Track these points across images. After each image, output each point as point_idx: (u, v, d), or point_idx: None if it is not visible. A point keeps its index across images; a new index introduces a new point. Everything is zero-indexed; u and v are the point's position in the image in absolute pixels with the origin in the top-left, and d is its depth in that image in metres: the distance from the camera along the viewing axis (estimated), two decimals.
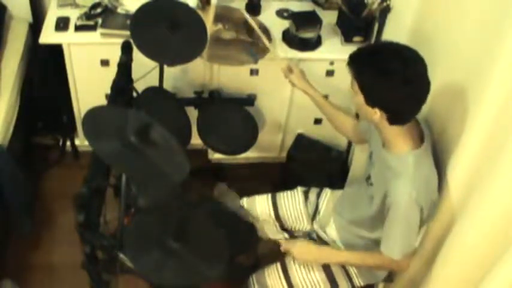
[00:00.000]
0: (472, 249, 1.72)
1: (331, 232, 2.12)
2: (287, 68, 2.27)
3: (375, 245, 1.92)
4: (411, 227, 1.78)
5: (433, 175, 1.80)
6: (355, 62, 1.74)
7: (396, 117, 1.72)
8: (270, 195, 2.26)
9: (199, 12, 2.46)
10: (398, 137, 1.76)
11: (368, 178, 1.93)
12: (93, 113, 1.71)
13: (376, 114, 1.71)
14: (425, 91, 1.68)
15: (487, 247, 1.67)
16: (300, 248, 1.96)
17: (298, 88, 2.25)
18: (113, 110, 1.98)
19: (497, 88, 1.58)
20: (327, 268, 2.04)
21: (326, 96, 2.71)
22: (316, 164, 2.87)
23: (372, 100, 1.70)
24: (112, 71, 2.29)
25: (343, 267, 2.04)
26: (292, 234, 2.25)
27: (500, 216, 1.59)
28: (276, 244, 2.04)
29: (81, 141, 2.95)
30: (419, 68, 1.67)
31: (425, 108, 1.73)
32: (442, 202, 1.85)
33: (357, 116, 2.21)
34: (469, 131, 1.73)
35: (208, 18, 2.53)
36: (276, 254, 2.12)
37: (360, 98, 1.73)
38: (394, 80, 1.64)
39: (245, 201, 2.29)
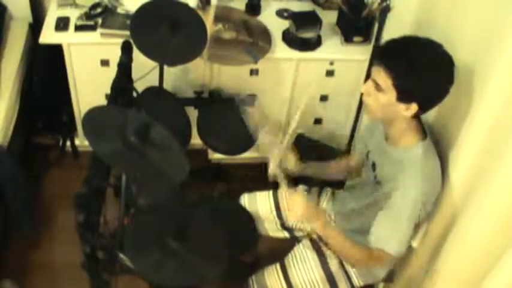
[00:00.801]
0: (473, 247, 1.72)
1: None
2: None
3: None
4: (410, 221, 1.76)
5: (438, 167, 1.81)
6: (391, 61, 1.68)
7: (426, 108, 1.73)
8: (271, 192, 2.26)
9: (199, 12, 2.46)
10: (407, 130, 1.77)
11: (375, 180, 1.91)
12: (93, 113, 1.71)
13: (409, 109, 1.70)
14: (453, 71, 1.68)
15: (488, 246, 1.67)
16: (301, 205, 1.83)
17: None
18: (113, 110, 1.98)
19: (498, 85, 1.59)
20: (326, 268, 2.03)
21: (326, 97, 2.72)
22: None
23: (409, 96, 1.68)
24: (112, 71, 2.29)
25: (343, 268, 2.04)
26: (292, 233, 2.25)
27: (502, 215, 1.59)
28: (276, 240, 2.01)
29: (81, 141, 2.95)
30: (447, 56, 1.68)
31: None
32: (444, 200, 1.85)
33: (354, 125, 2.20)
34: (470, 128, 1.73)
35: (208, 18, 2.53)
36: (275, 254, 2.12)
37: (391, 96, 1.69)
38: (433, 72, 1.65)
39: (246, 198, 2.28)
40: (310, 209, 1.86)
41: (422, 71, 1.65)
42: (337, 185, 2.33)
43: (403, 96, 1.68)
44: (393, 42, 1.74)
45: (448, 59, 1.68)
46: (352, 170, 2.22)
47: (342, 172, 2.27)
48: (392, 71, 1.67)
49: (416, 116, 1.76)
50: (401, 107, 1.70)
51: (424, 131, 1.81)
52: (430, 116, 1.95)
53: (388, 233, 1.79)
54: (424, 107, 1.72)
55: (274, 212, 2.23)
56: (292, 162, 2.17)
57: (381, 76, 1.69)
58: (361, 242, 1.93)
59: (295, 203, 1.84)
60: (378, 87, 1.71)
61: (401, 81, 1.67)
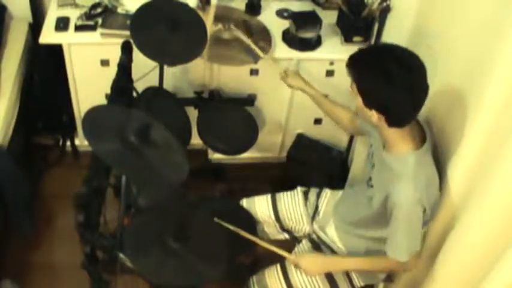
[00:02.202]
0: (473, 248, 1.72)
1: (331, 233, 2.12)
2: (283, 72, 2.30)
3: (374, 243, 1.93)
4: (415, 227, 1.77)
5: (434, 175, 1.80)
6: (354, 63, 1.73)
7: (393, 119, 1.72)
8: (269, 196, 2.26)
9: (199, 12, 2.46)
10: (398, 138, 1.76)
11: (369, 180, 1.93)
12: (93, 113, 1.71)
13: (374, 116, 1.71)
14: (422, 97, 1.68)
15: (487, 247, 1.67)
16: (307, 261, 1.93)
17: (296, 88, 2.28)
18: (113, 110, 1.98)
19: (497, 88, 1.58)
20: None
21: (326, 97, 2.72)
22: (316, 164, 2.87)
23: (369, 102, 1.70)
24: (112, 71, 2.29)
25: None
26: (292, 235, 2.25)
27: (501, 216, 1.59)
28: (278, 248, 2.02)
29: (81, 141, 2.95)
30: (419, 74, 1.67)
31: (425, 108, 1.73)
32: (443, 202, 1.85)
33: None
34: (469, 131, 1.73)
35: (208, 18, 2.53)
36: (276, 255, 2.12)
37: (359, 100, 1.73)
38: (392, 84, 1.64)
39: (245, 202, 2.29)
40: (321, 266, 1.95)
41: (382, 80, 1.65)
42: (337, 185, 2.33)
43: (365, 101, 1.71)
44: (361, 50, 1.77)
45: (418, 74, 1.66)
46: (346, 124, 2.18)
47: (337, 116, 2.20)
48: (356, 76, 1.71)
49: (400, 126, 1.73)
50: (368, 112, 1.72)
51: (424, 138, 1.80)
52: (428, 117, 1.95)
53: (396, 243, 1.81)
54: (387, 116, 1.70)
55: (273, 216, 2.22)
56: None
57: (351, 81, 1.74)
58: (356, 233, 2.01)
59: (299, 264, 1.92)
60: (353, 90, 1.75)
61: (360, 86, 1.70)
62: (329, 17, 2.76)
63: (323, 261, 1.97)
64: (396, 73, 1.63)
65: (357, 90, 1.72)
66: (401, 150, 1.77)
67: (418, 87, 1.67)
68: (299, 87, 2.27)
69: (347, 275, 2.04)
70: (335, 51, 2.65)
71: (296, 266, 1.95)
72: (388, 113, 1.69)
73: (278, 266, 2.08)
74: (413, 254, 1.82)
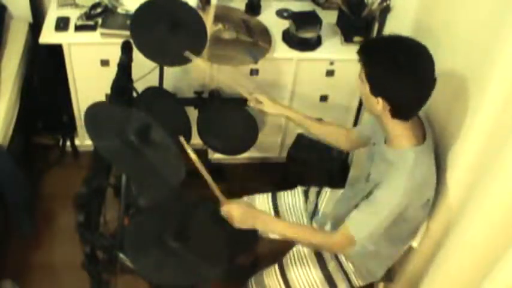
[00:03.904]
0: (472, 249, 1.72)
1: None
2: (254, 100, 2.23)
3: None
4: (385, 218, 1.76)
5: (431, 174, 1.80)
6: (366, 49, 1.74)
7: (398, 110, 1.72)
8: (270, 195, 2.26)
9: (199, 12, 2.46)
10: (400, 132, 1.76)
11: (368, 176, 1.93)
12: (95, 109, 1.71)
13: (379, 104, 1.71)
14: (430, 88, 1.68)
15: (487, 247, 1.67)
16: (239, 212, 1.87)
17: (274, 115, 2.24)
18: (113, 109, 1.98)
19: (498, 86, 1.59)
20: (324, 268, 2.03)
21: (326, 97, 2.72)
22: (316, 164, 2.87)
23: (376, 89, 1.70)
24: (112, 71, 2.29)
25: (342, 268, 2.04)
26: None
27: (500, 216, 1.59)
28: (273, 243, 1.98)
29: (81, 141, 2.96)
30: (428, 64, 1.68)
31: (426, 107, 1.73)
32: (442, 201, 1.85)
33: (354, 125, 2.21)
34: (469, 130, 1.73)
35: (208, 18, 2.54)
36: (274, 255, 2.12)
37: (366, 87, 1.73)
38: (401, 72, 1.65)
39: (245, 200, 2.28)
40: (246, 212, 1.88)
41: (391, 67, 1.66)
42: (337, 185, 2.33)
43: (372, 88, 1.71)
44: (373, 38, 1.77)
45: (427, 64, 1.67)
46: (342, 140, 2.18)
47: (330, 135, 2.20)
48: (366, 62, 1.72)
49: (403, 119, 1.74)
50: (373, 100, 1.72)
51: (425, 136, 1.80)
52: (429, 116, 1.95)
53: (362, 220, 1.79)
54: (394, 105, 1.70)
55: (273, 213, 2.22)
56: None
57: (361, 68, 1.74)
58: None
59: (231, 211, 1.87)
60: (360, 77, 1.75)
61: (369, 73, 1.71)
62: (329, 17, 2.76)
63: (255, 217, 1.90)
64: (405, 61, 1.64)
65: (365, 78, 1.72)
66: (402, 145, 1.77)
67: (425, 77, 1.67)
68: (280, 114, 2.22)
69: (345, 274, 2.04)
70: (335, 51, 2.66)
71: (227, 214, 1.89)
72: (394, 102, 1.70)
73: (276, 266, 2.08)
74: (367, 242, 1.82)
